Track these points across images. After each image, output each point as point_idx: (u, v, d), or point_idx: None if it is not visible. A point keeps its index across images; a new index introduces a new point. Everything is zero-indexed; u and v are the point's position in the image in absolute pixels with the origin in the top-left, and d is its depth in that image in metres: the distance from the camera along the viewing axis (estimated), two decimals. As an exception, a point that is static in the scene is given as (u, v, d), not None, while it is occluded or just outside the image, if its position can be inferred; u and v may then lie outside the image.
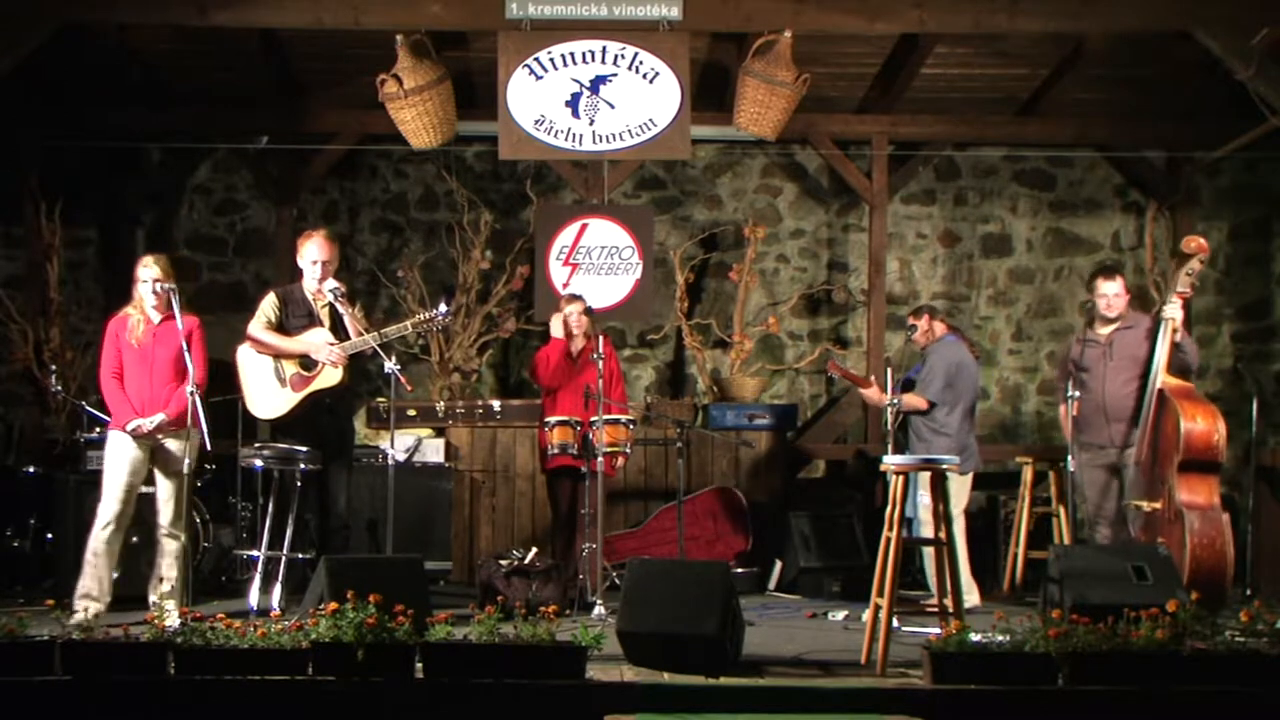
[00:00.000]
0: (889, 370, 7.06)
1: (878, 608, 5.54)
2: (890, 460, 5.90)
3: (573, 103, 7.50)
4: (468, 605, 6.51)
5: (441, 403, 8.55)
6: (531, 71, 7.44)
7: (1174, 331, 6.81)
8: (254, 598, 6.55)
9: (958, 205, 9.93)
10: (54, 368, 8.31)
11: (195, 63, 8.41)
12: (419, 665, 4.95)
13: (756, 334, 9.44)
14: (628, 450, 7.24)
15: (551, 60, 7.43)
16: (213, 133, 9.26)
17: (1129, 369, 6.97)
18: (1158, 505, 6.65)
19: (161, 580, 6.43)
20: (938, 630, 5.43)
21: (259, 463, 6.76)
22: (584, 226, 8.75)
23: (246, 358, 6.73)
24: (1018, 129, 9.32)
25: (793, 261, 9.91)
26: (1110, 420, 6.99)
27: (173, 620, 5.28)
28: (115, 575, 6.44)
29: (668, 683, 5.11)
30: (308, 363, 6.62)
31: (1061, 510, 7.92)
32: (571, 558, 7.24)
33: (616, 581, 7.00)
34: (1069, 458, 7.04)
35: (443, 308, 6.78)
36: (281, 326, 6.68)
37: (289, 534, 6.61)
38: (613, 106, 7.50)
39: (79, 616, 5.82)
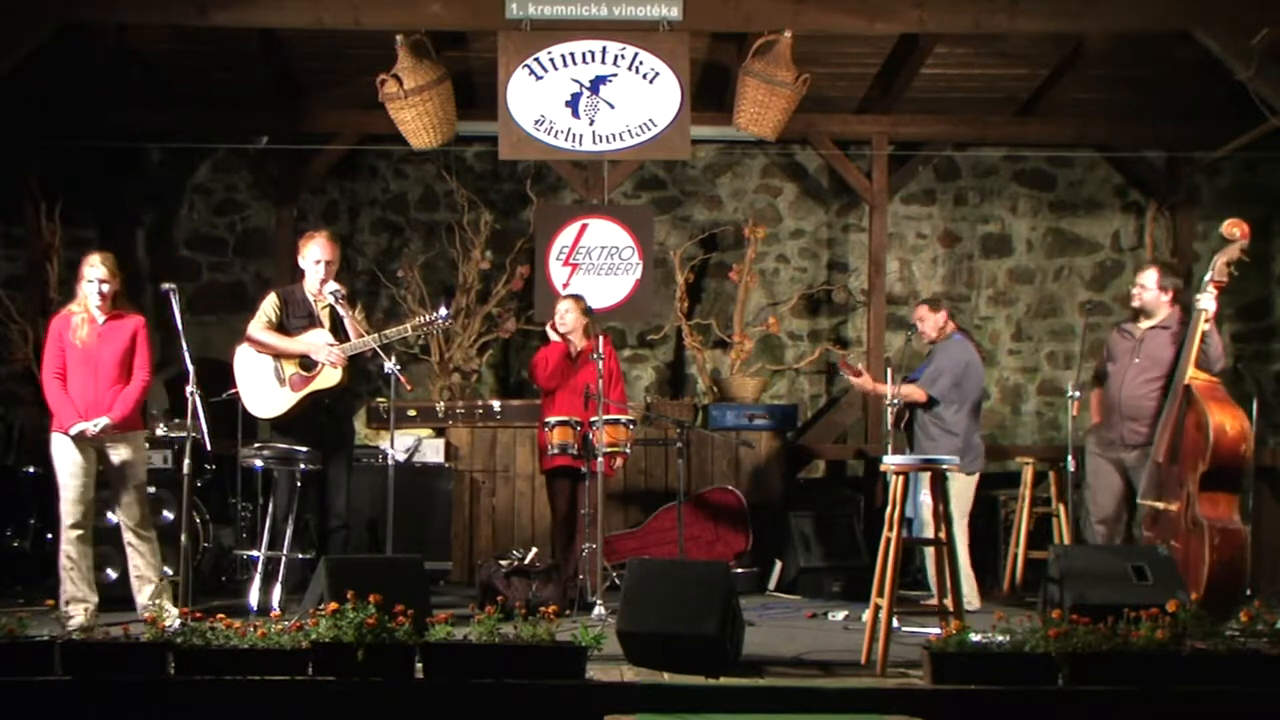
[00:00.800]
0: (889, 370, 7.05)
1: (878, 608, 5.54)
2: (890, 460, 5.90)
3: (573, 103, 7.50)
4: (468, 605, 6.53)
5: (441, 403, 8.55)
6: (531, 71, 7.43)
7: (1205, 323, 6.42)
8: (254, 598, 6.53)
9: (958, 205, 9.92)
10: (54, 368, 8.31)
11: (195, 63, 8.41)
12: (419, 665, 4.95)
13: (756, 334, 9.43)
14: (627, 450, 7.23)
15: (551, 60, 7.43)
16: (213, 133, 9.26)
17: (1151, 369, 6.72)
18: (1174, 507, 6.43)
19: (140, 578, 6.37)
20: (938, 630, 5.43)
21: (259, 463, 6.75)
22: (584, 227, 8.75)
23: (245, 357, 6.73)
24: (1018, 129, 9.31)
25: (793, 261, 9.91)
26: (1123, 418, 6.79)
27: (173, 620, 5.27)
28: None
29: (668, 683, 5.11)
30: (307, 363, 6.62)
31: (1061, 510, 7.91)
32: (571, 558, 7.23)
33: (616, 581, 7.00)
34: (1068, 458, 6.98)
35: (443, 311, 6.77)
36: (282, 327, 6.67)
37: (289, 534, 6.60)
38: (613, 106, 7.50)
39: (77, 620, 5.82)
